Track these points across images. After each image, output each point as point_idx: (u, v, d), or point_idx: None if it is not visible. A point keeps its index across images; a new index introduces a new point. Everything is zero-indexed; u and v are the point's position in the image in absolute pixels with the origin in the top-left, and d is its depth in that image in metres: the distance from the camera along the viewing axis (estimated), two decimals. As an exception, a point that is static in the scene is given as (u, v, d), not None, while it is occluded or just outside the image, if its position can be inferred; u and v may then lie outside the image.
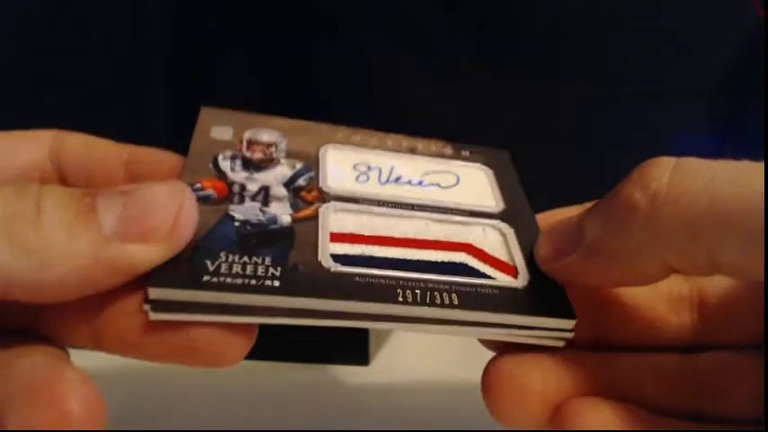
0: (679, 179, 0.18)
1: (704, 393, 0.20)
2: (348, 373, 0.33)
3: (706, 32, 0.37)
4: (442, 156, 0.27)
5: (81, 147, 0.24)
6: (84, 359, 0.20)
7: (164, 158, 0.24)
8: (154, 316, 0.18)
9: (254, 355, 0.19)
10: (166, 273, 0.18)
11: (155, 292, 0.18)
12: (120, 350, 0.19)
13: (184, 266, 0.18)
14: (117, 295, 0.18)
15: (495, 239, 0.23)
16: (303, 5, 0.37)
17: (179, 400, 0.30)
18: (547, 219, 0.24)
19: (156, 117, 0.38)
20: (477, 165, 0.27)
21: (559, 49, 0.37)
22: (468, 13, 0.37)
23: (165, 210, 0.18)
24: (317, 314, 0.19)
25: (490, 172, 0.27)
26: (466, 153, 0.27)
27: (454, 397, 0.31)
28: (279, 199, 0.22)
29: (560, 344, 0.20)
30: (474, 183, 0.26)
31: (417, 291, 0.19)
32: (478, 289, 0.20)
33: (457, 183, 0.26)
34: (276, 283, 0.18)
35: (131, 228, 0.17)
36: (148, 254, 0.18)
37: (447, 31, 0.37)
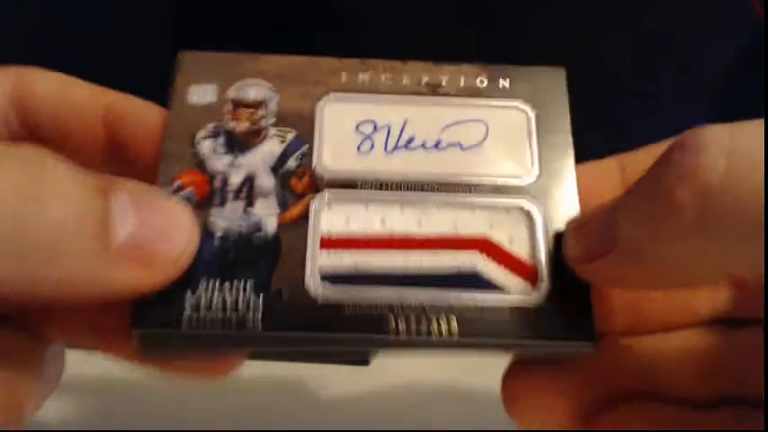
0: (735, 170, 0.14)
1: (741, 373, 0.19)
2: (348, 373, 0.33)
3: (706, 32, 0.37)
4: (473, 93, 0.22)
5: (53, 93, 0.20)
6: (86, 359, 0.20)
7: (145, 118, 0.21)
8: (141, 352, 0.18)
9: (253, 354, 0.19)
10: (148, 309, 0.17)
11: (137, 332, 0.17)
12: (120, 358, 0.19)
13: (165, 299, 0.18)
14: (117, 310, 0.18)
15: (518, 226, 0.20)
16: (304, 6, 0.37)
17: (178, 400, 0.30)
18: (580, 177, 0.21)
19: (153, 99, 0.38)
20: (517, 102, 0.22)
21: (559, 49, 0.37)
22: (468, 13, 0.37)
23: (176, 239, 0.17)
24: (300, 343, 0.18)
25: (532, 114, 0.21)
26: (505, 83, 0.22)
27: (454, 397, 0.31)
28: (265, 194, 0.20)
29: (576, 357, 0.19)
30: (506, 135, 0.21)
31: (412, 317, 0.18)
32: (485, 309, 0.18)
33: (485, 138, 0.21)
34: (258, 316, 0.18)
35: (141, 251, 0.16)
36: (147, 279, 0.17)
37: (447, 31, 0.37)
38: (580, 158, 0.22)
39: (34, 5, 0.35)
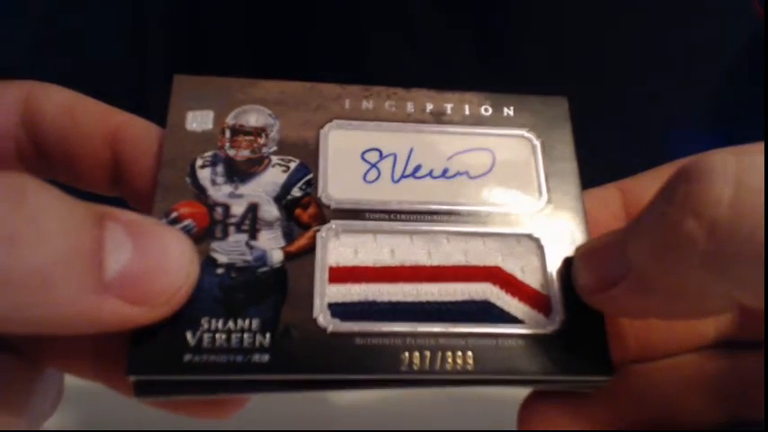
0: (742, 201, 0.14)
1: (748, 395, 0.19)
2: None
3: (706, 32, 0.37)
4: (478, 121, 0.22)
5: (62, 113, 0.20)
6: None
7: (150, 143, 0.20)
8: (138, 399, 0.17)
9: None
10: (144, 352, 0.16)
11: (134, 377, 0.16)
12: (121, 392, 0.18)
13: (163, 341, 0.16)
14: (117, 340, 0.17)
15: (529, 256, 0.20)
16: (303, 6, 0.37)
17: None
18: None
19: (156, 120, 0.38)
20: (522, 131, 0.22)
21: (559, 50, 0.37)
22: (468, 13, 0.37)
23: (173, 274, 0.16)
24: (312, 385, 0.17)
25: (536, 142, 0.21)
26: (509, 111, 0.22)
27: (455, 397, 0.31)
28: (269, 224, 0.19)
29: (592, 389, 0.19)
30: (513, 164, 0.21)
31: (426, 352, 0.17)
32: (500, 341, 0.18)
33: (491, 167, 0.21)
34: (265, 358, 0.17)
35: (134, 287, 0.15)
36: (140, 315, 0.15)
37: (447, 31, 0.37)
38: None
39: (34, 7, 0.35)
